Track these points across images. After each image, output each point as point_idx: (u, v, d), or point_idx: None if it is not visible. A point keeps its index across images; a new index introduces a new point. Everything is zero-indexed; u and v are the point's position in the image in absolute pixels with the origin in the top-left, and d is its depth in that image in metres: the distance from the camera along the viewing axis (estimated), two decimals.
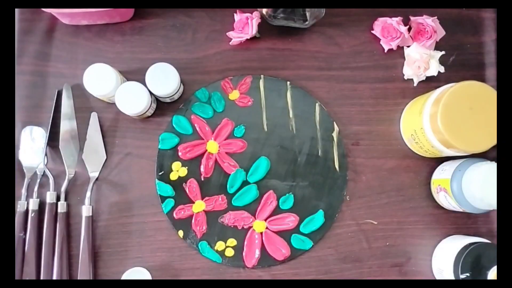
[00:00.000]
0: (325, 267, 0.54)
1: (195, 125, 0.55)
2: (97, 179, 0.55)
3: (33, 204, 0.53)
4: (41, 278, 0.51)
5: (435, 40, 0.57)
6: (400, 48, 0.57)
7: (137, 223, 0.54)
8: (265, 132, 0.56)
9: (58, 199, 0.53)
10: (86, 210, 0.53)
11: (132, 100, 0.51)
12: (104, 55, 0.57)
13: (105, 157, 0.55)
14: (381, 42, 0.57)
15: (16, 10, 0.56)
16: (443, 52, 0.55)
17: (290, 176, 0.55)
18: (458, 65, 0.58)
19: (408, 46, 0.56)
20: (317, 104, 0.56)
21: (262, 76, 0.56)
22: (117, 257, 0.53)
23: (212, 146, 0.55)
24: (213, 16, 0.58)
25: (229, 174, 0.55)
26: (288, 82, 0.56)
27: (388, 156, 0.56)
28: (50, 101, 0.55)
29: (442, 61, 0.55)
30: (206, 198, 0.54)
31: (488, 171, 0.46)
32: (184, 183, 0.54)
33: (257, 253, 0.53)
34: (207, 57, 0.57)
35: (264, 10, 0.54)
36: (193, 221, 0.54)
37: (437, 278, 0.53)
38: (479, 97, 0.46)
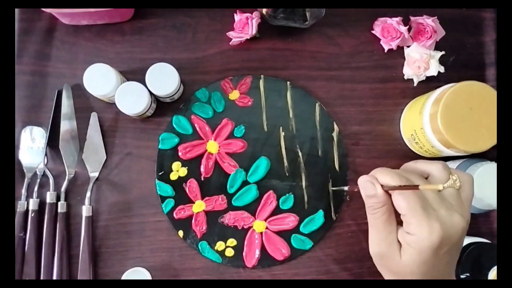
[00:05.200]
0: (325, 267, 0.54)
1: (195, 125, 0.55)
2: (97, 179, 0.55)
3: (33, 204, 0.53)
4: (41, 278, 0.51)
5: (435, 40, 0.57)
6: (400, 48, 0.57)
7: (137, 223, 0.54)
8: (265, 132, 0.56)
9: (58, 199, 0.53)
10: (86, 210, 0.53)
11: (132, 100, 0.51)
12: (104, 55, 0.57)
13: (105, 157, 0.55)
14: (381, 42, 0.57)
15: (16, 10, 0.56)
16: (443, 52, 0.55)
17: (290, 176, 0.55)
18: (458, 65, 0.58)
19: (408, 46, 0.56)
20: (317, 104, 0.56)
21: (262, 76, 0.57)
22: (117, 257, 0.53)
23: (212, 146, 0.55)
24: (213, 16, 0.58)
25: (229, 174, 0.55)
26: (288, 82, 0.56)
27: (388, 156, 0.56)
28: (50, 101, 0.55)
29: (442, 61, 0.55)
30: (206, 198, 0.54)
31: (488, 171, 0.46)
32: (184, 183, 0.54)
33: (257, 253, 0.53)
34: (207, 57, 0.57)
35: (264, 10, 0.54)
36: (193, 221, 0.54)
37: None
38: (479, 97, 0.46)
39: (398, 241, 0.39)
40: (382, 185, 0.39)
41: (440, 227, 0.36)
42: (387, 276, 0.42)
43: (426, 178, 0.41)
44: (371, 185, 0.40)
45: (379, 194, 0.39)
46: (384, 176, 0.39)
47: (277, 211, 0.54)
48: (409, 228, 0.37)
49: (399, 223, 0.39)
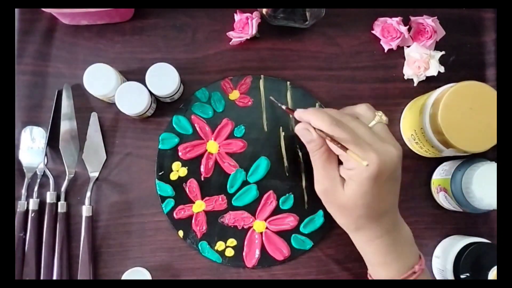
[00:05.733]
0: (325, 267, 0.54)
1: (195, 125, 0.55)
2: (97, 179, 0.55)
3: (33, 204, 0.53)
4: (41, 278, 0.51)
5: (435, 40, 0.57)
6: (400, 48, 0.57)
7: (137, 223, 0.54)
8: (265, 132, 0.56)
9: (58, 199, 0.53)
10: (86, 210, 0.53)
11: (132, 100, 0.51)
12: (104, 55, 0.57)
13: (105, 157, 0.55)
14: (381, 42, 0.57)
15: (16, 10, 0.56)
16: (443, 52, 0.55)
17: (290, 176, 0.55)
18: (458, 65, 0.58)
19: (408, 46, 0.56)
20: (317, 104, 0.56)
21: (262, 76, 0.56)
22: (117, 257, 0.53)
23: (212, 146, 0.55)
24: (213, 16, 0.58)
25: (229, 174, 0.55)
26: (288, 82, 0.56)
27: None
28: (50, 101, 0.55)
29: (442, 61, 0.55)
30: (206, 198, 0.54)
31: (488, 171, 0.46)
32: (184, 183, 0.54)
33: (257, 253, 0.53)
34: (207, 57, 0.57)
35: (264, 10, 0.54)
36: (193, 221, 0.54)
37: (437, 278, 0.53)
38: (479, 97, 0.46)
39: (341, 177, 0.43)
40: (317, 129, 0.42)
41: (376, 157, 0.39)
42: (333, 210, 0.46)
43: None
44: (307, 132, 0.43)
45: (315, 138, 0.42)
46: (316, 120, 0.42)
47: (277, 211, 0.54)
48: (348, 164, 0.41)
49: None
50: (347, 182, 0.42)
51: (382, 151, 0.40)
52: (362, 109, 0.44)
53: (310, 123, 0.43)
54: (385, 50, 0.57)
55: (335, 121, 0.41)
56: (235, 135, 0.55)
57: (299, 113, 0.45)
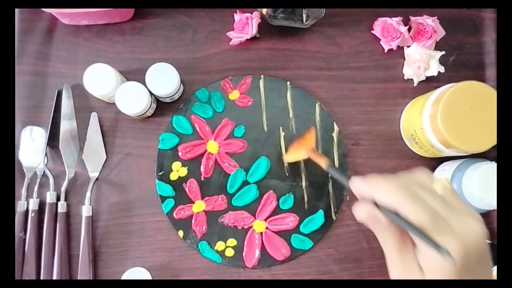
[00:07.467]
0: (325, 267, 0.54)
1: (195, 125, 0.55)
2: (97, 179, 0.55)
3: (33, 204, 0.53)
4: (41, 278, 0.51)
5: (435, 40, 0.57)
6: (400, 48, 0.57)
7: (137, 223, 0.54)
8: (265, 132, 0.56)
9: (58, 199, 0.53)
10: (86, 210, 0.53)
11: (132, 100, 0.51)
12: (104, 55, 0.57)
13: (105, 157, 0.55)
14: (381, 42, 0.57)
15: (16, 10, 0.56)
16: (443, 52, 0.55)
17: (290, 176, 0.55)
18: (458, 65, 0.58)
19: (408, 46, 0.56)
20: (317, 104, 0.56)
21: (262, 76, 0.56)
22: (117, 257, 0.53)
23: (212, 146, 0.55)
24: (213, 16, 0.58)
25: (229, 174, 0.55)
26: (288, 82, 0.56)
27: (388, 156, 0.56)
28: (50, 101, 0.55)
29: (442, 61, 0.55)
30: (206, 198, 0.54)
31: (488, 171, 0.46)
32: (184, 183, 0.54)
33: (257, 253, 0.53)
34: (207, 57, 0.57)
35: (264, 10, 0.54)
36: (193, 221, 0.54)
37: None
38: (479, 97, 0.46)
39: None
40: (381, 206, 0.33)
41: (458, 244, 0.31)
42: None
43: None
44: (376, 221, 0.33)
45: (383, 222, 0.33)
46: (386, 195, 0.32)
47: (277, 211, 0.54)
48: (422, 249, 0.32)
49: None
50: (425, 272, 0.33)
51: (463, 230, 0.31)
52: (421, 175, 0.35)
53: (375, 197, 0.33)
54: (385, 50, 0.57)
55: (411, 195, 0.31)
56: (235, 135, 0.55)
57: (357, 186, 0.34)
